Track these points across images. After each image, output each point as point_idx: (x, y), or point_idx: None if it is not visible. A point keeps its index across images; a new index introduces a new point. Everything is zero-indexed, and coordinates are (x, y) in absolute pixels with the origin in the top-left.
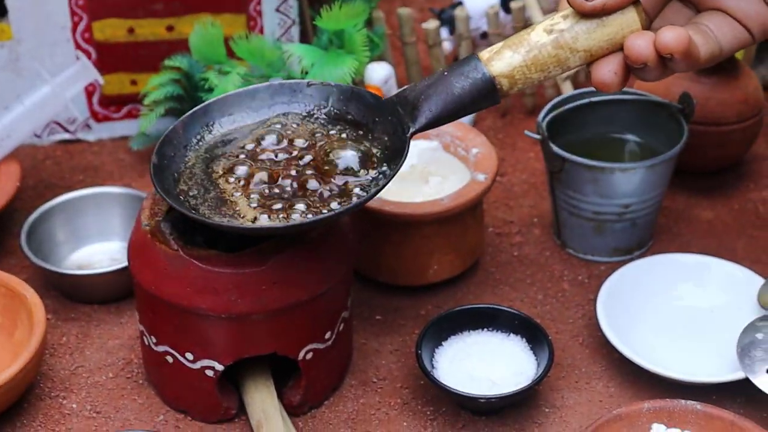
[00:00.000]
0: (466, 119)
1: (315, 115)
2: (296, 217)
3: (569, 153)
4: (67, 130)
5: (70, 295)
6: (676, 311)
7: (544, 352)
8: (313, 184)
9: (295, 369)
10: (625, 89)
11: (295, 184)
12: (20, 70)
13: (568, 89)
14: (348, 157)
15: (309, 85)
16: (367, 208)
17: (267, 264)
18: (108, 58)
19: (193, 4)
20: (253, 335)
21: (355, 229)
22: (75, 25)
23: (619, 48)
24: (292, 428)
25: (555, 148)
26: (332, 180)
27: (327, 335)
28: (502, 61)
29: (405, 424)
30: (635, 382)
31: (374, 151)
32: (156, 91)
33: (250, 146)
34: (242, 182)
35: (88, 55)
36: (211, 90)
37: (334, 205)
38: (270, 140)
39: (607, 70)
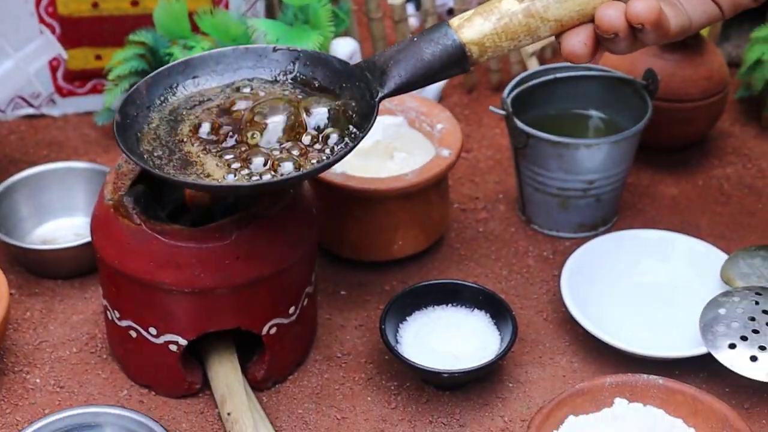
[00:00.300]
0: (432, 95)
1: (281, 81)
2: (266, 177)
3: (534, 129)
4: (31, 105)
5: (34, 270)
6: (639, 287)
7: (507, 328)
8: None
9: (259, 344)
10: (590, 65)
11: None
12: None
13: (533, 65)
14: (319, 114)
15: (275, 49)
16: (332, 184)
17: (230, 238)
18: (72, 32)
19: None
20: (216, 310)
21: (319, 205)
22: (38, 0)
23: (590, 19)
24: (256, 403)
25: (519, 124)
26: (300, 142)
27: (291, 310)
28: (472, 28)
29: (369, 398)
30: (599, 358)
31: (342, 115)
32: (120, 65)
33: (216, 107)
34: (208, 143)
35: (52, 29)
36: None
37: (288, 166)
38: (240, 104)
39: (577, 41)
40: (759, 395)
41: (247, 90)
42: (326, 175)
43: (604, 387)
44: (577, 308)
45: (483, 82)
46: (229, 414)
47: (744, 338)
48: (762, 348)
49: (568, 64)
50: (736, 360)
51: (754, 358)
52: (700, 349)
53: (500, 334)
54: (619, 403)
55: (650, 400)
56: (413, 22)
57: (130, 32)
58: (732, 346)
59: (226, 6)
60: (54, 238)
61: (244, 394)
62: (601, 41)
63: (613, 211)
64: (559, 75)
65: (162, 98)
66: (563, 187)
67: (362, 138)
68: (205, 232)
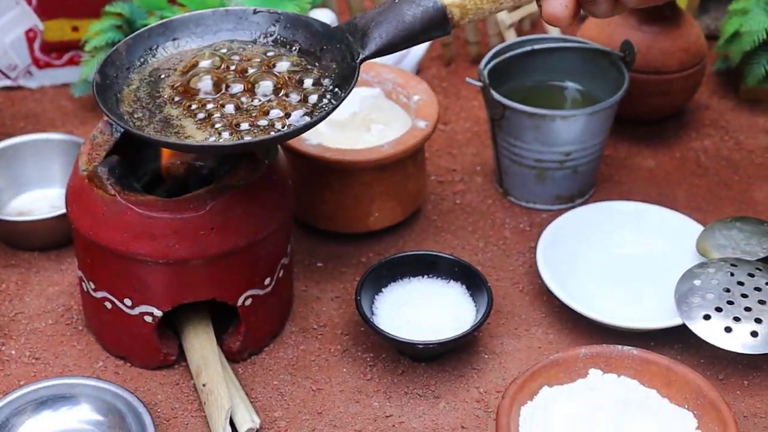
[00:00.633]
0: (409, 66)
1: (261, 43)
2: (248, 138)
3: (511, 100)
4: (8, 77)
5: (10, 241)
6: (615, 258)
7: (483, 299)
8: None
9: (234, 315)
10: (567, 37)
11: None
12: None
13: (511, 37)
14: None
15: (255, 12)
16: (308, 155)
17: (205, 209)
18: (48, 3)
19: None
20: (191, 281)
21: (295, 176)
22: None
23: None
24: (231, 374)
25: (496, 96)
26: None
27: (266, 281)
28: None
29: (345, 370)
30: (574, 329)
31: (324, 78)
32: (97, 37)
33: (199, 69)
34: (190, 104)
35: (28, 0)
36: None
37: (279, 126)
38: (215, 62)
39: (558, 3)
40: (733, 366)
41: (224, 50)
42: (302, 146)
43: (579, 358)
44: (552, 280)
45: (461, 54)
46: (204, 385)
47: (719, 309)
48: (736, 319)
49: (546, 35)
50: (711, 331)
51: (728, 329)
52: (675, 321)
53: (476, 306)
54: (594, 373)
55: (624, 371)
56: None
57: (107, 3)
58: (707, 317)
59: None
60: (30, 210)
61: (220, 365)
62: (582, 3)
63: (590, 183)
64: (536, 47)
65: (142, 60)
66: (540, 158)
67: (344, 98)
68: (180, 202)
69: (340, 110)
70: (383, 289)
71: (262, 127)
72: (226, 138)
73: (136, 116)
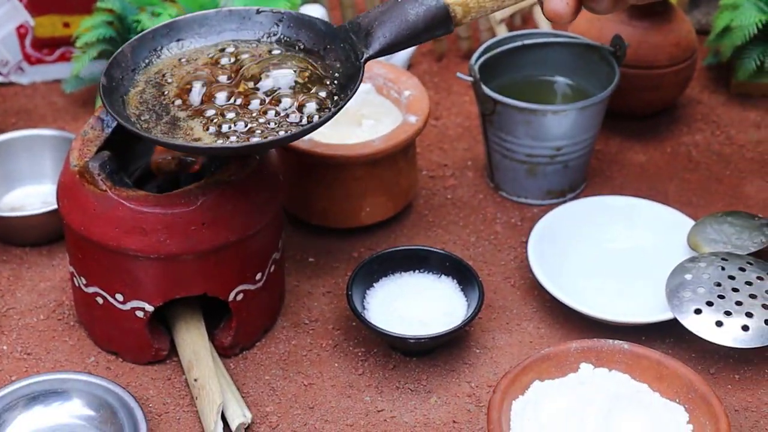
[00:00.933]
0: (400, 62)
1: (265, 42)
2: (256, 139)
3: (502, 95)
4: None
5: (1, 237)
6: (606, 253)
7: (474, 294)
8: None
9: (226, 310)
10: (558, 32)
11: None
12: None
13: (502, 32)
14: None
15: (258, 12)
16: (299, 150)
17: (196, 204)
18: None
19: None
20: (182, 276)
21: (286, 171)
22: None
23: None
24: (223, 369)
25: (486, 90)
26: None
27: (257, 276)
28: None
29: (336, 365)
30: (566, 324)
31: (327, 77)
32: (88, 33)
33: (203, 69)
34: (196, 106)
35: None
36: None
37: (282, 132)
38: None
39: (560, 0)
40: (724, 360)
41: (231, 49)
42: (293, 142)
43: (570, 352)
44: (544, 274)
45: (452, 49)
46: (195, 380)
47: (710, 304)
48: (727, 313)
49: (536, 30)
50: (702, 325)
51: (719, 324)
52: (667, 315)
53: (467, 301)
54: (585, 368)
55: (616, 365)
56: None
57: None
58: (698, 311)
59: None
60: (22, 206)
61: (211, 360)
62: (584, 1)
63: (581, 178)
64: (527, 42)
65: (147, 61)
66: (531, 153)
67: (350, 98)
68: (171, 198)
69: None
70: (375, 284)
71: (270, 128)
72: (234, 140)
73: (143, 118)
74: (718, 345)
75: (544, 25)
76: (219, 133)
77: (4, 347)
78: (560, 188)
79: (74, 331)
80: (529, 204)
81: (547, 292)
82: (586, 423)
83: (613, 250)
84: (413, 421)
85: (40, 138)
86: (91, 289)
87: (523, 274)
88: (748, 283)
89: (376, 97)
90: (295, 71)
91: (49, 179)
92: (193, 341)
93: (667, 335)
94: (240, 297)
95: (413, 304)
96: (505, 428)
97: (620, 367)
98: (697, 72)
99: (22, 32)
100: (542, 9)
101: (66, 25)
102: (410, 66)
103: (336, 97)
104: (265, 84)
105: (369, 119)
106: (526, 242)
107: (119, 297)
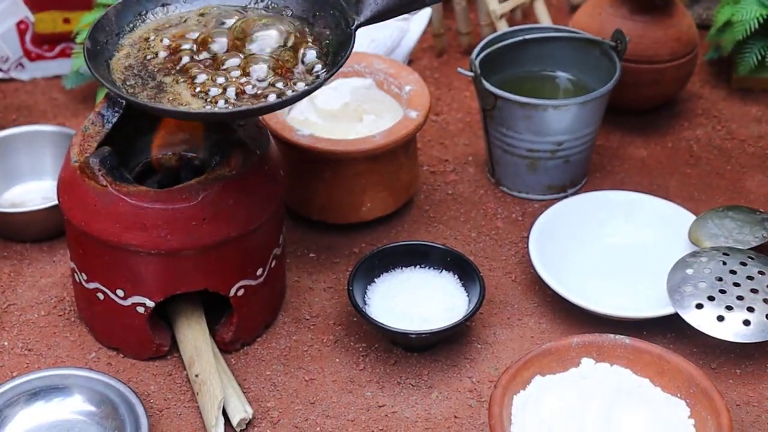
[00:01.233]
0: (401, 57)
1: (252, 8)
2: (243, 106)
3: (502, 90)
4: (0, 69)
5: (2, 233)
6: (608, 248)
7: (475, 289)
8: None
9: (227, 306)
10: (558, 27)
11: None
12: None
13: (502, 27)
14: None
15: None
16: (300, 146)
17: (197, 200)
18: None
19: None
20: (183, 272)
21: (287, 167)
22: None
23: None
24: (224, 365)
25: (487, 85)
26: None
27: (258, 272)
28: None
29: (337, 360)
30: (567, 319)
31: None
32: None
33: (191, 34)
34: (184, 70)
35: None
36: None
37: (272, 97)
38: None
39: None
40: (726, 355)
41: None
42: (294, 137)
43: (571, 347)
44: (545, 270)
45: (453, 45)
46: (197, 375)
47: (711, 298)
48: (729, 308)
49: (537, 25)
50: (703, 320)
51: (720, 318)
52: (668, 310)
53: (468, 296)
54: (586, 362)
55: (617, 360)
56: None
57: None
58: (699, 306)
59: None
60: (22, 202)
61: (212, 356)
62: None
63: (582, 173)
64: (527, 37)
65: (131, 25)
66: (532, 148)
67: (341, 65)
68: (172, 193)
69: (332, 101)
70: (376, 280)
71: (257, 95)
72: (222, 106)
73: (128, 83)
74: (720, 340)
75: (545, 21)
76: (206, 99)
77: (5, 343)
78: (561, 183)
79: (75, 327)
80: (530, 199)
81: (549, 287)
82: (588, 418)
83: (615, 245)
84: (414, 416)
85: (40, 134)
86: (92, 285)
87: (524, 269)
88: (750, 278)
89: (377, 93)
90: (281, 34)
91: (49, 175)
92: (194, 337)
93: (669, 330)
94: (241, 292)
95: (414, 300)
96: (506, 423)
97: (621, 362)
98: (698, 67)
99: (22, 28)
100: None
101: (66, 21)
102: (411, 61)
103: (326, 66)
104: (252, 48)
105: (369, 114)
106: (527, 237)
107: (120, 293)
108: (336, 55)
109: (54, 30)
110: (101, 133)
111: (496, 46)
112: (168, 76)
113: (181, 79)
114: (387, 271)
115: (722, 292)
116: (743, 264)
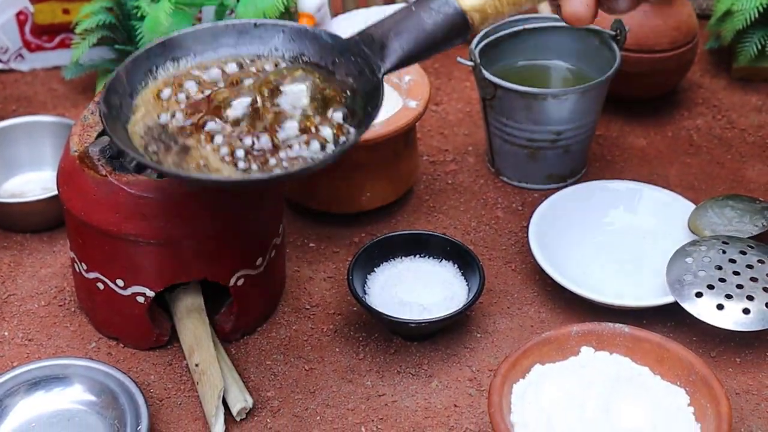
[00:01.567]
0: None
1: (266, 58)
2: (277, 170)
3: (502, 80)
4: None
5: (2, 224)
6: (607, 237)
7: (475, 278)
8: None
9: (227, 295)
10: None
11: (265, 136)
12: None
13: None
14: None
15: (257, 25)
16: None
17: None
18: None
19: None
20: (183, 261)
21: None
22: None
23: None
24: (224, 354)
25: (487, 75)
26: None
27: (258, 261)
28: None
29: (337, 349)
30: (567, 308)
31: (340, 93)
32: (88, 19)
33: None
34: (206, 133)
35: None
36: (142, 18)
37: (305, 152)
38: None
39: (579, 2)
40: (725, 344)
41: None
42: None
43: (571, 336)
44: (545, 259)
45: None
46: (197, 365)
47: (711, 287)
48: (728, 297)
49: (537, 15)
50: (703, 309)
51: (720, 307)
52: (668, 298)
53: (468, 285)
54: (586, 351)
55: (616, 349)
56: None
57: None
58: (699, 294)
59: None
60: (22, 192)
61: (212, 345)
62: (602, 1)
63: (582, 163)
64: (527, 26)
65: (143, 83)
66: (532, 138)
67: (375, 116)
68: (171, 183)
69: None
70: (375, 269)
71: (290, 159)
72: (255, 170)
73: (150, 149)
74: (719, 328)
75: (545, 10)
76: (234, 161)
77: (6, 333)
78: (561, 173)
79: (75, 317)
80: (529, 189)
81: (548, 277)
82: (587, 406)
83: (614, 233)
84: (414, 406)
85: (40, 124)
86: (91, 275)
87: (524, 259)
88: (749, 267)
89: None
90: (307, 87)
91: (49, 165)
92: (194, 326)
93: (668, 318)
94: (241, 282)
95: (414, 289)
96: (506, 412)
97: (621, 351)
98: (698, 56)
99: (21, 19)
100: (559, 12)
101: (65, 11)
102: None
103: (354, 117)
104: (281, 102)
105: None
106: (527, 227)
107: (120, 282)
108: (366, 104)
109: (53, 21)
110: (100, 123)
111: (495, 36)
112: (191, 138)
113: (204, 141)
114: (387, 261)
115: (722, 280)
116: (743, 253)
